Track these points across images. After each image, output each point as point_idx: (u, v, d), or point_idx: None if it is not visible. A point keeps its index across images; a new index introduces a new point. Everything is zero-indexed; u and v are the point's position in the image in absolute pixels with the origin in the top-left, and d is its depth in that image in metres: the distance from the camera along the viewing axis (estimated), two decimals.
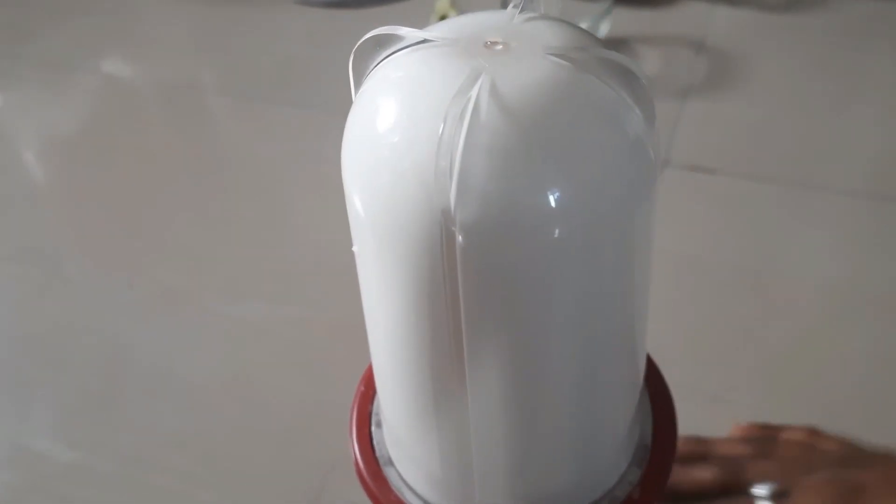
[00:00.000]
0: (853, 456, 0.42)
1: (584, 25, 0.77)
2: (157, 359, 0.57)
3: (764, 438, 0.45)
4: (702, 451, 0.45)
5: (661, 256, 0.63)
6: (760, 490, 0.40)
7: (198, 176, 0.72)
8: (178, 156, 0.75)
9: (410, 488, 0.31)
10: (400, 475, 0.31)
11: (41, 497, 0.50)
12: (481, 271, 0.23)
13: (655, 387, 0.33)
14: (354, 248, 0.26)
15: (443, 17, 0.79)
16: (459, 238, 0.22)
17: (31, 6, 0.98)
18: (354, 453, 0.32)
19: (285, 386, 0.54)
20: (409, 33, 0.24)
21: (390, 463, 0.31)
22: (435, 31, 0.24)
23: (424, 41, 0.24)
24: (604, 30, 0.79)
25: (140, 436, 0.52)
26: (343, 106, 0.25)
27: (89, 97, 0.83)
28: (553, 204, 0.22)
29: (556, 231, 0.22)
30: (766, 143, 0.70)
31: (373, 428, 0.32)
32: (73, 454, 0.51)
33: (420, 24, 0.25)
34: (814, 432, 0.46)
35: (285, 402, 0.53)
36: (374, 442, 0.32)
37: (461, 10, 0.80)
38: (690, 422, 0.49)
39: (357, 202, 0.24)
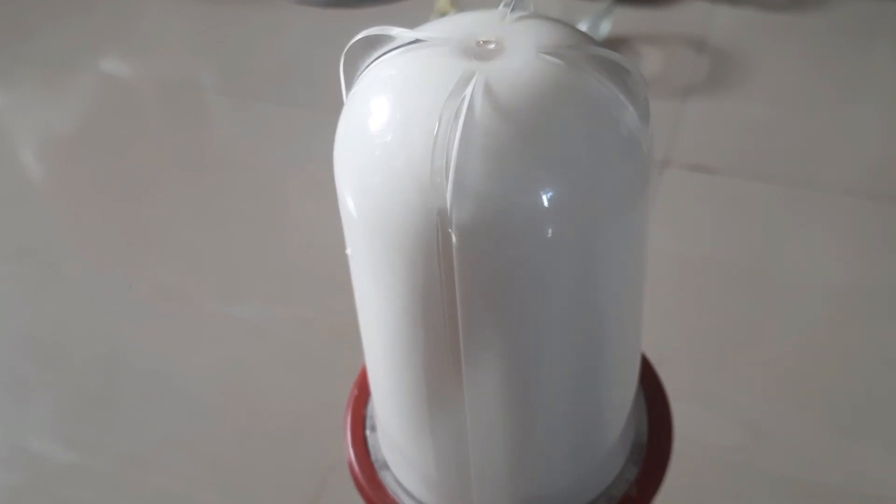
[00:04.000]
0: None
1: (584, 25, 0.77)
2: (155, 359, 0.57)
3: None
4: None
5: (662, 256, 0.63)
6: None
7: (197, 175, 0.72)
8: (177, 155, 0.75)
9: (407, 492, 0.31)
10: (396, 479, 0.31)
11: (39, 498, 0.49)
12: (477, 272, 0.23)
13: (649, 385, 0.33)
14: (348, 251, 0.26)
15: (443, 16, 0.78)
16: (454, 238, 0.22)
17: (29, 4, 0.98)
18: (349, 458, 0.32)
19: (285, 386, 0.54)
20: (400, 33, 0.24)
21: (386, 467, 0.31)
22: (426, 30, 0.24)
23: (416, 41, 0.24)
24: (604, 29, 0.79)
25: (138, 436, 0.52)
26: (342, 105, 0.25)
27: (87, 96, 0.83)
28: (547, 203, 0.22)
29: (551, 230, 0.22)
30: (767, 142, 0.70)
31: (367, 432, 0.32)
32: (72, 454, 0.51)
33: (420, 23, 0.25)
34: None
35: (285, 403, 0.53)
36: (369, 446, 0.32)
37: (461, 9, 0.80)
38: (690, 421, 0.50)
39: (350, 203, 0.24)
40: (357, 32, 0.24)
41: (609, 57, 0.23)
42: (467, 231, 0.22)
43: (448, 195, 0.21)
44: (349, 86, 0.25)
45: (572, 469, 0.29)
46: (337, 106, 0.25)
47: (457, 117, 0.21)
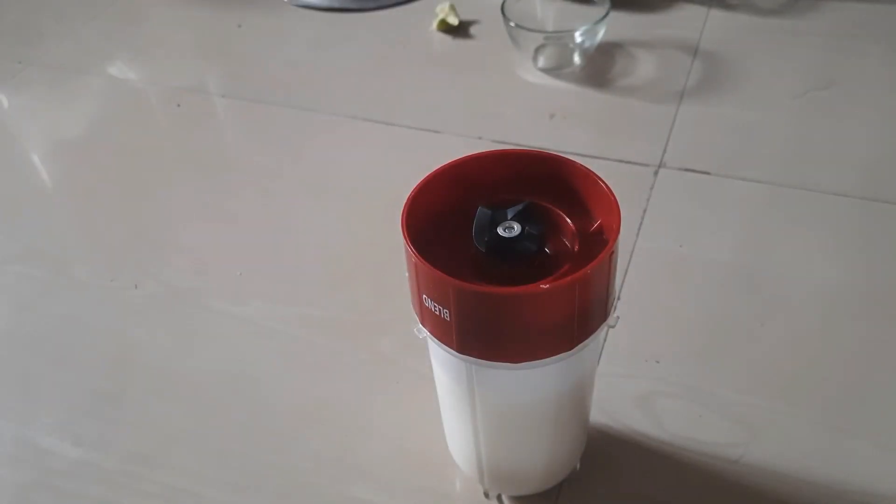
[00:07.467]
0: None
1: (580, 30, 0.78)
2: (161, 358, 0.57)
3: None
4: None
5: (659, 256, 0.64)
6: None
7: (202, 178, 0.73)
8: (183, 158, 0.75)
9: None
10: None
11: (46, 494, 0.50)
12: None
13: None
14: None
15: (443, 22, 0.78)
16: None
17: (38, 10, 0.98)
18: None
19: (290, 384, 0.55)
20: None
21: None
22: None
23: None
24: (600, 34, 0.80)
25: (145, 433, 0.53)
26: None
27: (95, 100, 0.84)
28: None
29: None
30: (760, 145, 0.70)
31: None
32: (79, 451, 0.52)
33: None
34: None
35: (290, 400, 0.54)
36: None
37: (461, 15, 0.80)
38: (688, 420, 0.50)
39: None
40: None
41: None
42: None
43: None
44: None
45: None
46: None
47: None
